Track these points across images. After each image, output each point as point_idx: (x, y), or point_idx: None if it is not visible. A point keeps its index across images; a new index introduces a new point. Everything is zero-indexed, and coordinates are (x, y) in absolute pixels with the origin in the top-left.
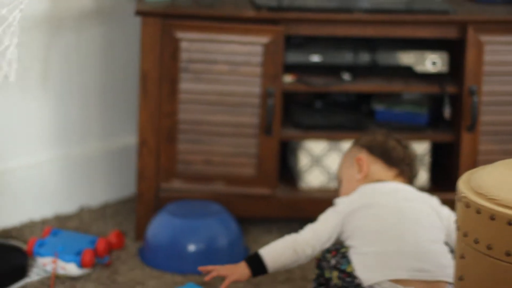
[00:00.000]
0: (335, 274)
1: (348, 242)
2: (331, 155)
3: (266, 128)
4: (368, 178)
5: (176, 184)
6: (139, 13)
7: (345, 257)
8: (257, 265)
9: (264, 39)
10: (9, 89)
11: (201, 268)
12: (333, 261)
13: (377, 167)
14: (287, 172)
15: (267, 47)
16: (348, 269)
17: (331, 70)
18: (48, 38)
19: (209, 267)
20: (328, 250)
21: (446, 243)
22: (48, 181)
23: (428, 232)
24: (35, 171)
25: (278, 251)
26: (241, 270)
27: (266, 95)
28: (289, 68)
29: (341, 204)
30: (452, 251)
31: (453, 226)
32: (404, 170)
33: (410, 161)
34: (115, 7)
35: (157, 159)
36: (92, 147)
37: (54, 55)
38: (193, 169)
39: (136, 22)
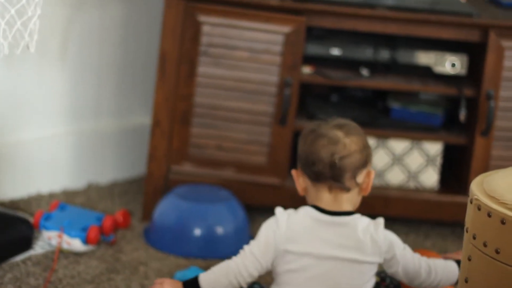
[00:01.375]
0: None
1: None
2: None
3: (280, 118)
4: (307, 195)
5: (187, 167)
6: None
7: None
8: None
9: (286, 29)
10: (27, 60)
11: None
12: None
13: (308, 183)
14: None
15: (288, 36)
16: None
17: (350, 65)
18: (71, 12)
19: (158, 281)
20: None
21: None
22: (59, 155)
23: None
24: (46, 145)
25: (221, 282)
26: None
27: (283, 84)
28: (308, 60)
29: (279, 228)
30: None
31: (394, 255)
32: (333, 185)
33: (337, 171)
34: None
35: (169, 141)
36: (105, 124)
37: (75, 29)
38: (204, 153)
39: (159, 1)
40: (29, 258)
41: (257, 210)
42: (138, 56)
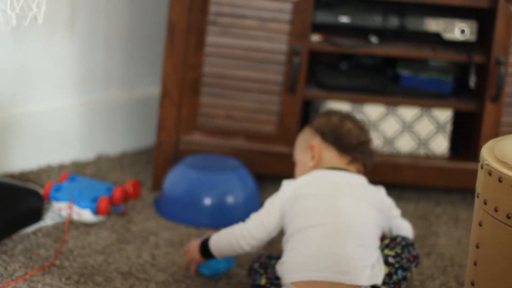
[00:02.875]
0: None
1: (286, 232)
2: None
3: (290, 86)
4: (320, 165)
5: (196, 137)
6: None
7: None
8: (206, 251)
9: None
10: (35, 31)
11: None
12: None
13: (330, 154)
14: None
15: (296, 5)
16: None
17: (359, 32)
18: None
19: (185, 250)
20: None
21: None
22: (68, 126)
23: (358, 238)
24: (56, 116)
25: (223, 244)
26: (197, 254)
27: (292, 53)
28: (317, 28)
29: (286, 187)
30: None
31: (392, 216)
32: (357, 157)
33: (364, 147)
34: None
35: (179, 111)
36: (114, 95)
37: None
38: (214, 123)
39: None
40: (40, 230)
41: (267, 179)
42: (146, 26)
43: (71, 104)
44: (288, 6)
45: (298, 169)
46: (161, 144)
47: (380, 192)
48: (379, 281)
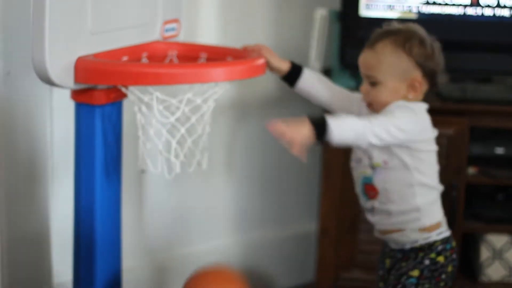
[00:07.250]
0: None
1: (415, 171)
2: None
3: (449, 221)
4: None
5: (356, 275)
6: None
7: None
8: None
9: (450, 131)
10: (194, 174)
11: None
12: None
13: (423, 90)
14: (467, 264)
15: (452, 139)
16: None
17: None
18: (234, 124)
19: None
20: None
21: None
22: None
23: None
24: (213, 257)
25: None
26: (302, 134)
27: (450, 188)
28: (471, 159)
29: (423, 114)
30: None
31: None
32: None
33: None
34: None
35: (337, 248)
36: (270, 233)
37: (238, 141)
38: (373, 259)
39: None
40: None
41: None
42: (300, 162)
43: (228, 244)
44: (444, 141)
45: (386, 93)
46: (320, 282)
47: None
48: None
